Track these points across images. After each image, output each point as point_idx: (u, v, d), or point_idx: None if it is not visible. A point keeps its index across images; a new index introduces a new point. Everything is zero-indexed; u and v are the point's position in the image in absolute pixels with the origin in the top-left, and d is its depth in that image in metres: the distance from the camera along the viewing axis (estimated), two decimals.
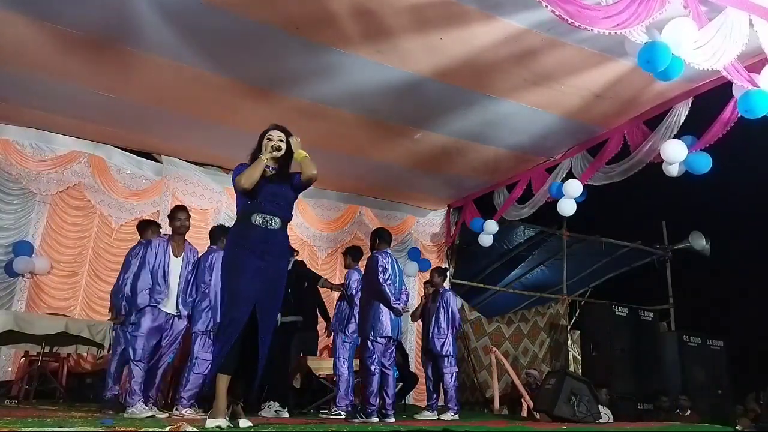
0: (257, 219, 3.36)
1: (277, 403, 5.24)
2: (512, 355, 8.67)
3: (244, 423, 3.16)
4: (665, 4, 4.11)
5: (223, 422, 3.07)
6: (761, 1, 4.45)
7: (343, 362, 5.58)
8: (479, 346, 8.73)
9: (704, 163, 5.56)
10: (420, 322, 6.86)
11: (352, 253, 6.08)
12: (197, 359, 4.76)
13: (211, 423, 3.06)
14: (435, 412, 6.07)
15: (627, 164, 6.31)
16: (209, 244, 5.23)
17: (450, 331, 6.16)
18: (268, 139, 3.53)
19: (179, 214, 4.88)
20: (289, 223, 3.56)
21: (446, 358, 6.09)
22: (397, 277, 5.29)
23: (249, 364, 3.27)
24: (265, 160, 3.42)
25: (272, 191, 3.43)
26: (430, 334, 6.22)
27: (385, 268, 5.11)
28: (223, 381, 3.19)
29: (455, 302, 6.42)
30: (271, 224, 3.38)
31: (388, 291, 5.04)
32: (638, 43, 4.28)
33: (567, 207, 6.96)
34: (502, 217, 8.32)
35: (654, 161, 5.99)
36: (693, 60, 4.30)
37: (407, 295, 5.62)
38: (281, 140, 3.53)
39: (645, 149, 6.05)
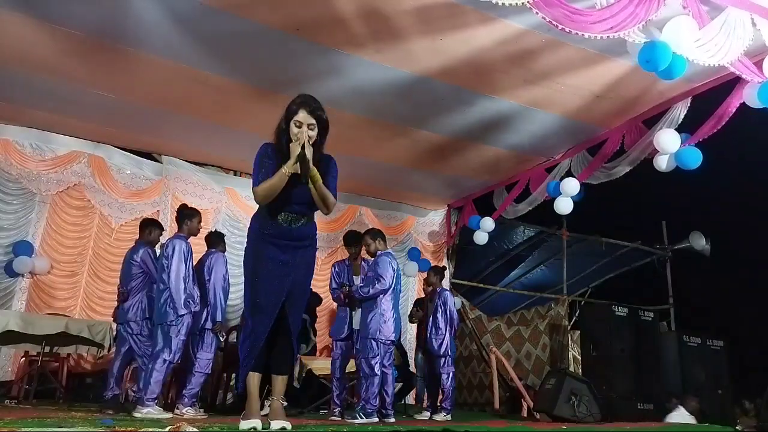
0: (281, 217, 3.04)
1: None
2: (514, 357, 8.65)
3: (277, 425, 2.89)
4: (662, 4, 4.10)
5: (257, 423, 2.86)
6: (761, 0, 4.45)
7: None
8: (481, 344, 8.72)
9: (694, 158, 5.50)
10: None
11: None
12: (198, 359, 4.82)
13: (245, 424, 2.86)
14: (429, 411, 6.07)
15: (623, 162, 6.31)
16: (207, 248, 5.32)
17: (448, 331, 6.09)
18: (296, 125, 3.01)
19: (199, 216, 5.05)
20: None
21: (443, 359, 6.02)
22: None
23: (284, 357, 3.08)
24: (287, 173, 2.91)
25: (300, 192, 3.02)
26: (428, 335, 6.16)
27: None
28: (254, 380, 2.99)
29: (453, 302, 6.38)
30: (296, 223, 3.08)
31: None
32: (639, 44, 4.28)
33: (564, 205, 6.95)
34: (503, 217, 8.32)
35: (649, 157, 5.99)
36: (697, 57, 4.28)
37: None
38: (311, 128, 3.01)
39: (642, 146, 6.05)
